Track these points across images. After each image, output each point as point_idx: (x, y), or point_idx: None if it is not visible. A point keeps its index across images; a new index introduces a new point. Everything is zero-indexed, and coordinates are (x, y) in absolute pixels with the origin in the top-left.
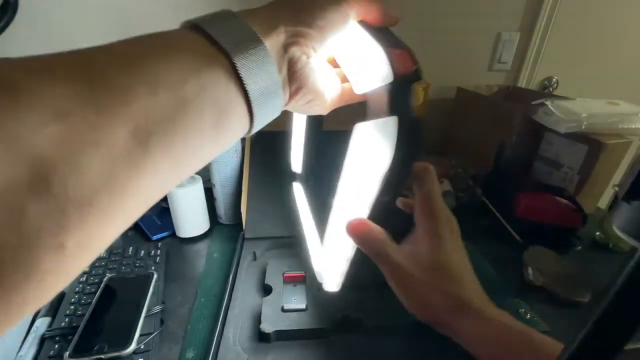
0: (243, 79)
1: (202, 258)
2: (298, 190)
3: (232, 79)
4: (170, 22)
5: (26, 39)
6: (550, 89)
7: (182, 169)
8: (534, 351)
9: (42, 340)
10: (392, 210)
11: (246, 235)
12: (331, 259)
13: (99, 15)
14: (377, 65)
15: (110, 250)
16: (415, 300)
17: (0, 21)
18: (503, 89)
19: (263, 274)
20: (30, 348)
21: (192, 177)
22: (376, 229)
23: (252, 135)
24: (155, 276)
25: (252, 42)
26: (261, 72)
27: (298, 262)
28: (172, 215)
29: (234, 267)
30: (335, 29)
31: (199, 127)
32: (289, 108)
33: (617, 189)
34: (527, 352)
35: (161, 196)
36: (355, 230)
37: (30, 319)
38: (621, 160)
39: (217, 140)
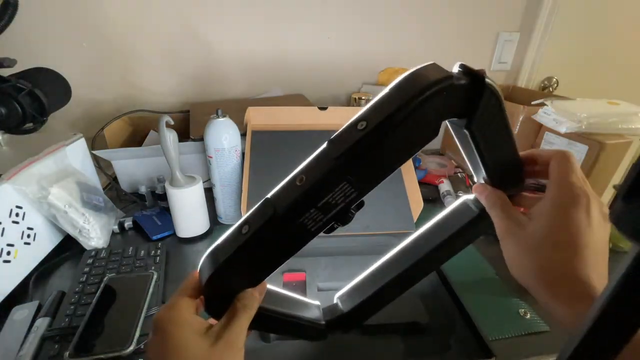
0: None
1: None
2: None
3: None
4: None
5: (26, 38)
6: (550, 89)
7: None
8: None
9: (42, 340)
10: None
11: None
12: None
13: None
14: None
15: (110, 250)
16: (525, 266)
17: (0, 21)
18: (503, 89)
19: None
20: (30, 348)
21: (192, 177)
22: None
23: (252, 135)
24: (155, 276)
25: None
26: None
27: (298, 261)
28: (172, 215)
29: None
30: None
31: None
32: None
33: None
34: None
35: None
36: (479, 188)
37: (30, 319)
38: (621, 160)
39: None
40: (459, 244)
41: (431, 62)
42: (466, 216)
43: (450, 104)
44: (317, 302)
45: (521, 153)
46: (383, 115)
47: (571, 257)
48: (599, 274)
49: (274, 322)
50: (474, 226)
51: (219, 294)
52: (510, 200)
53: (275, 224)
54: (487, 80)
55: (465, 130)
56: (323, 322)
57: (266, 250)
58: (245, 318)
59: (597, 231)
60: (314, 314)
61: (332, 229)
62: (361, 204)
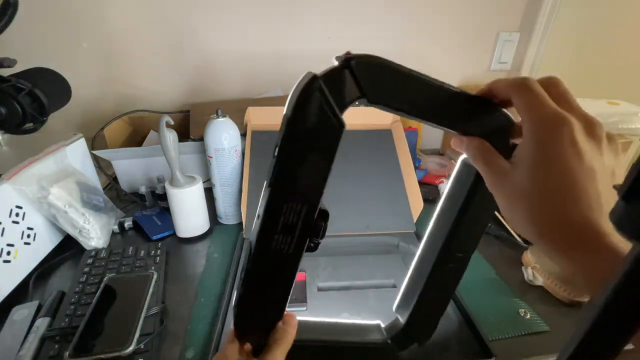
0: None
1: (202, 258)
2: None
3: None
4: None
5: (26, 38)
6: None
7: None
8: None
9: (42, 340)
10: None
11: (246, 235)
12: None
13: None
14: None
15: (110, 250)
16: (518, 218)
17: (0, 21)
18: None
19: None
20: (30, 348)
21: (192, 177)
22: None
23: (252, 135)
24: (155, 276)
25: None
26: None
27: None
28: (172, 215)
29: (233, 267)
30: None
31: None
32: None
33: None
34: None
35: None
36: (456, 142)
37: (30, 319)
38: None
39: None
40: (478, 208)
41: (307, 72)
42: (470, 176)
43: (337, 96)
44: (376, 322)
45: (477, 91)
46: (280, 138)
47: (563, 201)
48: (606, 213)
49: (330, 352)
50: (481, 183)
51: (251, 336)
52: (513, 135)
53: (256, 257)
54: (352, 60)
55: (374, 106)
56: (387, 341)
57: (264, 283)
58: (277, 351)
59: (591, 160)
60: (375, 335)
61: (315, 245)
62: (325, 214)
